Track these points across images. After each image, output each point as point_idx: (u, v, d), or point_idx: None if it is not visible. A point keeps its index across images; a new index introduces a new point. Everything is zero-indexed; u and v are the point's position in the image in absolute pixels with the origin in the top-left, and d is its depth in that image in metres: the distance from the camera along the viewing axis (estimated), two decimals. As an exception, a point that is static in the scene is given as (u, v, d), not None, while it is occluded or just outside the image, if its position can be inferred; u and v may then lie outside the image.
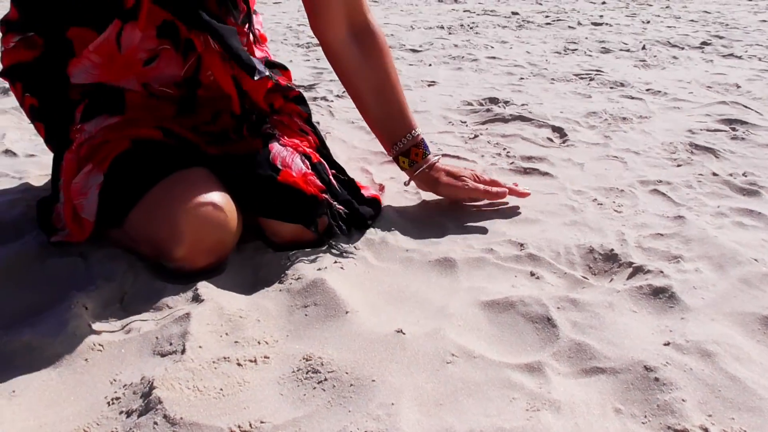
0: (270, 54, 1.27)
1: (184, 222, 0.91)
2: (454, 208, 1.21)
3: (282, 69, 1.25)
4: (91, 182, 0.95)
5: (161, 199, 0.93)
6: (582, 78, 2.39)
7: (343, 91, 2.16)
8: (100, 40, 0.98)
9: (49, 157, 1.49)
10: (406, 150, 1.18)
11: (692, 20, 4.27)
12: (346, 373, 0.74)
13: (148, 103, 1.03)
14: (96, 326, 0.83)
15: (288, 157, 1.02)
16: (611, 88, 2.24)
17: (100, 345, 0.79)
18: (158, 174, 0.93)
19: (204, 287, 0.92)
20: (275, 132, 1.07)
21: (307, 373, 0.75)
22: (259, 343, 0.81)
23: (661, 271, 0.95)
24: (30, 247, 1.02)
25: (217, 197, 0.94)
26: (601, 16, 4.45)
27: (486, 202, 1.22)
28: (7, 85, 2.11)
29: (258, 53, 1.19)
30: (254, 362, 0.77)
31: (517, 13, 4.51)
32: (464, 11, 4.64)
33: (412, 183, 1.23)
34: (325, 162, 1.08)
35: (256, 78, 1.02)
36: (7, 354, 0.78)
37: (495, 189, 1.18)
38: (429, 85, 2.28)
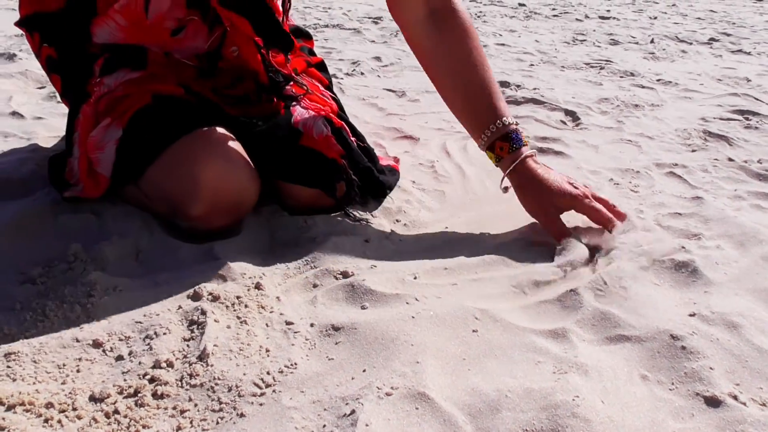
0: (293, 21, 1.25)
1: (202, 180, 0.89)
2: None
3: (306, 38, 1.23)
4: (109, 137, 0.93)
5: (180, 156, 0.91)
6: (592, 67, 2.38)
7: (353, 70, 2.14)
8: (126, 0, 0.96)
9: (56, 120, 1.47)
10: (492, 144, 1.00)
11: (699, 18, 4.26)
12: (368, 331, 0.73)
13: (170, 62, 1.01)
14: (114, 272, 0.82)
15: (310, 120, 1.01)
16: (621, 77, 2.23)
17: (119, 288, 0.78)
18: (178, 131, 0.91)
19: (220, 246, 0.90)
20: (297, 95, 1.05)
21: (328, 330, 0.74)
22: (278, 299, 0.79)
23: (683, 247, 0.95)
24: (41, 203, 1.00)
25: (237, 157, 0.93)
26: (608, 10, 4.43)
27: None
28: (11, 51, 2.08)
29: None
30: (273, 320, 0.76)
31: (523, 5, 4.48)
32: (471, 1, 4.62)
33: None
34: (346, 127, 1.06)
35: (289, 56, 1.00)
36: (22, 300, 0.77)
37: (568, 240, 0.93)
38: (439, 68, 2.27)
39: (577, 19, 3.87)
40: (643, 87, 2.07)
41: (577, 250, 0.92)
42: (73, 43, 1.00)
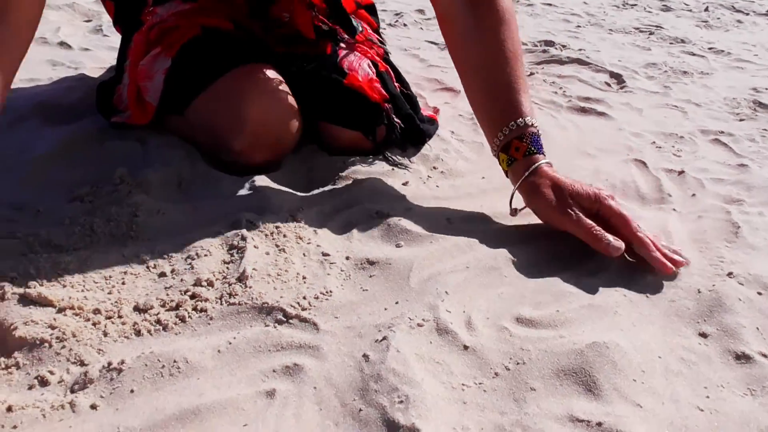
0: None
1: (247, 115, 0.90)
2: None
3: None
4: (158, 66, 0.95)
5: (227, 89, 0.92)
6: (641, 31, 2.31)
7: (396, 21, 2.12)
8: None
9: (102, 51, 1.49)
10: (507, 143, 0.85)
11: (757, -11, 4.07)
12: (402, 267, 0.74)
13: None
14: (158, 197, 0.84)
15: (355, 61, 1.01)
16: (671, 43, 2.16)
17: (162, 212, 0.81)
18: (226, 64, 0.92)
19: (261, 180, 0.92)
20: (344, 36, 1.05)
21: (363, 264, 0.75)
22: (316, 232, 0.81)
23: (724, 209, 0.93)
24: (88, 128, 1.03)
25: (282, 95, 0.93)
26: (662, -23, 4.26)
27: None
28: (59, -15, 2.10)
29: None
30: (310, 250, 0.77)
31: (573, -33, 4.34)
32: (519, -40, 4.48)
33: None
34: (392, 72, 1.06)
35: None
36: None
37: (607, 239, 0.76)
38: (483, 24, 2.23)
39: (628, -16, 3.74)
40: (694, 54, 2.01)
41: None
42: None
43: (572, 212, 0.79)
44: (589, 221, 0.78)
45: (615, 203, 0.80)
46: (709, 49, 2.10)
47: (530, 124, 0.85)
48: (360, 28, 1.04)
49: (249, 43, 0.97)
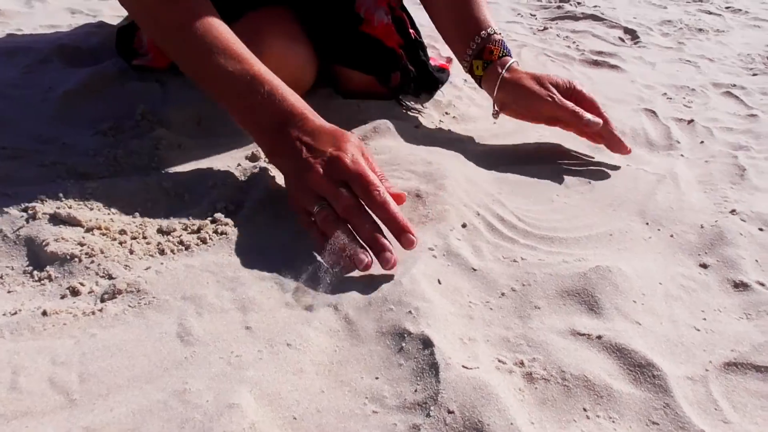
0: None
1: (264, 56, 0.91)
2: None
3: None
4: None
5: (244, 31, 0.93)
6: (658, -10, 2.29)
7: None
8: None
9: None
10: (480, 50, 0.96)
11: (780, -48, 3.99)
12: (417, 196, 0.77)
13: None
14: (178, 132, 0.87)
15: (372, 6, 1.02)
16: (688, 2, 2.14)
17: (182, 146, 0.83)
18: (244, 7, 0.94)
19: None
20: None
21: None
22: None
23: (731, 154, 0.95)
24: (109, 70, 1.05)
25: (298, 38, 0.95)
26: (682, -61, 4.18)
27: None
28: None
29: None
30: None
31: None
32: None
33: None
34: (407, 19, 1.07)
35: None
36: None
37: (587, 117, 0.88)
38: (497, -18, 2.21)
39: (647, -54, 3.67)
40: (710, 13, 1.99)
41: None
42: None
43: (554, 96, 0.90)
44: (569, 102, 0.89)
45: (586, 90, 0.93)
46: (727, 8, 2.08)
47: (497, 32, 0.97)
48: None
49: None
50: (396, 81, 1.03)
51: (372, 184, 0.65)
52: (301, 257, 0.66)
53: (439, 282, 0.63)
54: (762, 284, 0.68)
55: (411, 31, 1.08)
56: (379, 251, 0.62)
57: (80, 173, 0.77)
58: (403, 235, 0.63)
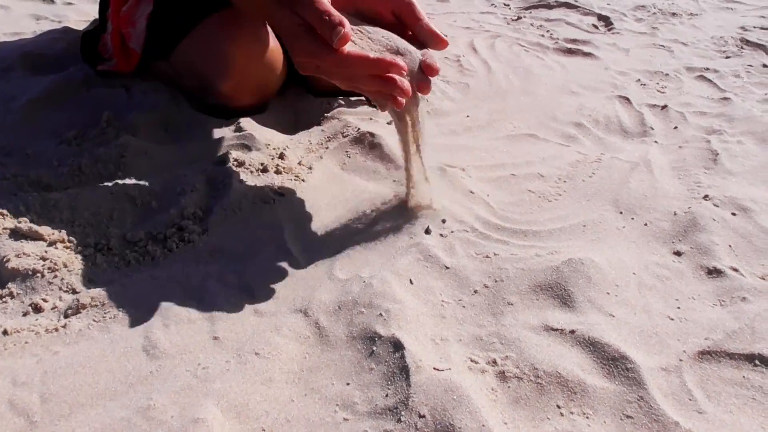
0: None
1: (233, 57, 0.90)
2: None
3: None
4: (141, 11, 0.94)
5: (212, 32, 0.92)
6: (632, -24, 2.28)
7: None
8: None
9: (85, 4, 1.48)
10: None
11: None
12: (394, 196, 0.76)
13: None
14: (144, 138, 0.85)
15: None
16: (662, -13, 2.14)
17: (148, 152, 0.82)
18: (209, 7, 0.92)
19: (247, 122, 0.93)
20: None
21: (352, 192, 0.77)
22: (300, 164, 0.82)
23: (704, 139, 0.95)
24: (74, 77, 1.03)
25: (267, 38, 0.93)
26: None
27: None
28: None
29: None
30: (301, 175, 0.79)
31: None
32: None
33: None
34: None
35: None
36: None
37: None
38: (471, -28, 2.20)
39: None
40: (684, -3, 1.99)
41: None
42: None
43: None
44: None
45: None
46: (700, -9, 2.08)
47: None
48: None
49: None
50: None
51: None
52: (267, 262, 0.64)
53: (411, 282, 0.62)
54: (735, 269, 0.67)
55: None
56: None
57: (44, 185, 0.75)
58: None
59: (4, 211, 0.69)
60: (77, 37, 1.17)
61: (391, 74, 0.64)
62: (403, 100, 0.66)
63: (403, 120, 0.71)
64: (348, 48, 0.63)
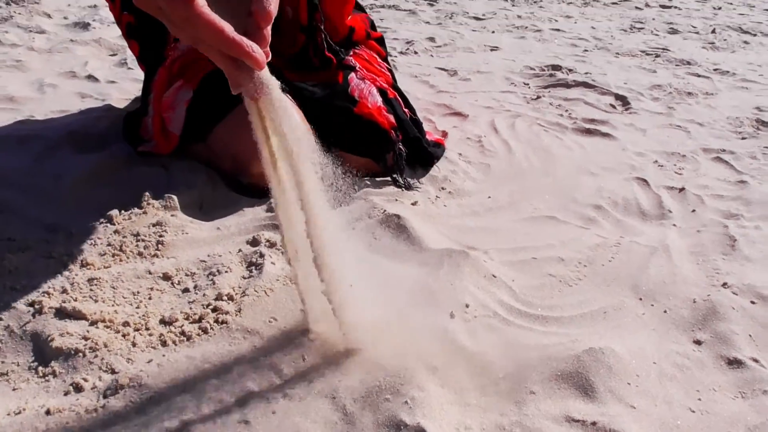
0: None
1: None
2: (516, 154, 1.24)
3: (360, 10, 1.28)
4: (181, 97, 1.01)
5: (245, 117, 0.97)
6: (648, 54, 2.36)
7: (407, 49, 2.19)
8: None
9: (127, 83, 1.57)
10: None
11: (767, 9, 4.11)
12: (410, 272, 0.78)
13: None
14: (181, 217, 0.90)
15: (365, 89, 1.06)
16: (677, 65, 2.21)
17: (186, 231, 0.86)
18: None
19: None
20: (356, 65, 1.11)
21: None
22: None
23: (722, 223, 0.97)
24: (116, 155, 1.09)
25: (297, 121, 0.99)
26: None
27: None
28: (86, 20, 2.20)
29: None
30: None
31: (582, -8, 4.42)
32: (528, -14, 4.57)
33: None
34: (400, 99, 1.12)
35: None
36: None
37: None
38: (492, 50, 2.29)
39: (636, 7, 3.80)
40: (699, 76, 2.04)
41: None
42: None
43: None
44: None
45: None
46: (715, 70, 2.14)
47: None
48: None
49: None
50: (390, 161, 1.07)
51: None
52: (296, 344, 0.67)
53: (436, 368, 0.64)
54: (756, 360, 0.68)
55: (405, 110, 1.12)
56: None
57: (87, 263, 0.80)
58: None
59: (51, 290, 0.73)
60: (119, 116, 1.24)
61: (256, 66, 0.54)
62: (259, 96, 0.57)
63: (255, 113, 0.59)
64: (203, 7, 0.51)
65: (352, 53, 1.14)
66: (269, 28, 0.55)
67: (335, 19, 1.12)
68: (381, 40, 1.22)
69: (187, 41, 0.55)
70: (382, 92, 1.08)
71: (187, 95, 1.01)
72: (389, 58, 2.02)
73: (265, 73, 0.56)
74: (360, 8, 1.27)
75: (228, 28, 0.52)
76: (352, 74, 1.09)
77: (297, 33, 1.14)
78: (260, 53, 0.53)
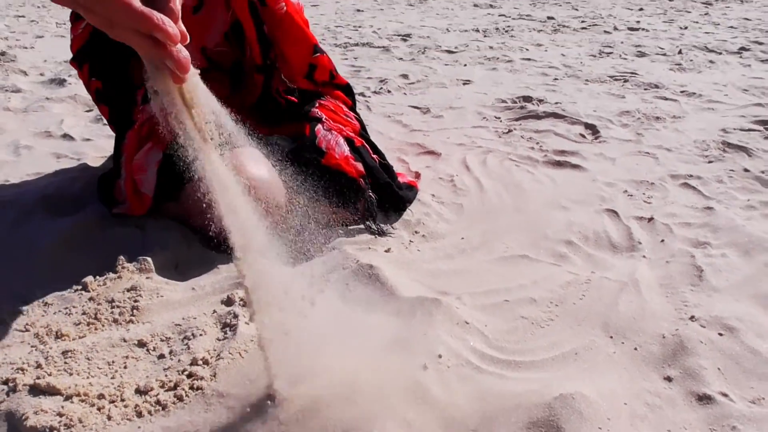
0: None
1: (250, 187, 0.97)
2: (487, 193, 1.26)
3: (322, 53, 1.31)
4: (151, 159, 1.02)
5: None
6: (616, 80, 2.41)
7: (380, 88, 2.22)
8: None
9: (102, 140, 1.58)
10: None
11: (731, 27, 4.22)
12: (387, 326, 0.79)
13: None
14: (156, 279, 0.90)
15: (332, 140, 1.09)
16: (645, 89, 2.26)
17: (160, 294, 0.86)
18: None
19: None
20: (322, 116, 1.13)
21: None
22: (303, 298, 0.87)
23: (689, 253, 0.99)
24: (91, 217, 1.10)
25: (267, 175, 1.01)
26: (638, 21, 4.43)
27: None
28: (61, 76, 2.23)
29: None
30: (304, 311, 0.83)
31: (552, 18, 4.52)
32: (499, 15, 4.67)
33: None
34: (368, 146, 1.14)
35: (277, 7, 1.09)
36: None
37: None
38: (464, 84, 2.33)
39: (605, 32, 3.89)
40: (666, 99, 2.09)
41: None
42: (117, 76, 1.10)
43: None
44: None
45: None
46: (682, 92, 2.19)
47: None
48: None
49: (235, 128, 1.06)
50: (362, 209, 1.08)
51: None
52: (277, 406, 0.67)
53: (408, 422, 0.65)
54: (725, 395, 0.70)
55: (374, 156, 1.15)
56: None
57: (62, 334, 0.80)
58: None
59: (25, 366, 0.73)
60: (94, 175, 1.25)
61: (169, 40, 0.53)
62: (184, 76, 0.55)
63: (178, 99, 0.58)
64: None
65: (317, 105, 1.16)
66: (178, 2, 0.55)
67: (292, 58, 1.15)
68: (347, 88, 1.25)
69: (101, 26, 0.53)
70: (350, 141, 1.11)
71: (157, 156, 1.02)
72: (364, 98, 2.06)
73: (184, 52, 0.54)
74: (322, 51, 1.30)
75: (136, 2, 0.51)
76: (319, 126, 1.11)
77: (254, 74, 1.17)
78: (172, 26, 0.52)
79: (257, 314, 0.65)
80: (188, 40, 0.56)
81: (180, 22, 0.55)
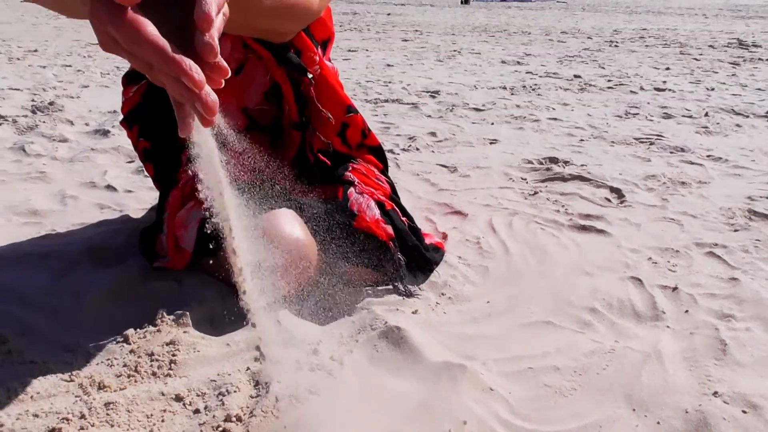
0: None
1: (282, 246, 1.02)
2: (513, 253, 1.29)
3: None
4: (193, 217, 1.08)
5: (263, 226, 1.05)
6: (642, 142, 2.45)
7: (409, 145, 2.29)
8: None
9: (143, 192, 1.66)
10: None
11: (759, 89, 4.25)
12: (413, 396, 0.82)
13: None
14: (193, 334, 0.94)
15: (364, 203, 1.14)
16: (671, 152, 2.29)
17: (197, 349, 0.90)
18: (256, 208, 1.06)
19: (284, 314, 1.02)
20: (354, 179, 1.18)
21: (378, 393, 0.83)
22: (332, 358, 0.90)
23: (714, 326, 1.00)
24: (133, 270, 1.16)
25: (301, 235, 1.06)
26: (665, 81, 4.49)
27: None
28: (105, 127, 2.34)
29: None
30: (333, 371, 0.86)
31: (579, 77, 4.60)
32: (526, 72, 4.77)
33: None
34: (398, 209, 1.18)
35: (309, 76, 1.16)
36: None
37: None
38: (491, 143, 2.39)
39: (631, 91, 3.95)
40: (692, 163, 2.12)
41: None
42: (164, 137, 1.17)
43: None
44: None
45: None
46: (708, 156, 2.22)
47: None
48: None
49: (272, 190, 1.12)
50: (391, 270, 1.12)
51: None
52: (305, 469, 0.70)
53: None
54: (748, 474, 0.70)
55: (403, 219, 1.19)
56: None
57: (104, 385, 0.84)
58: None
59: (69, 416, 0.77)
60: (135, 228, 1.32)
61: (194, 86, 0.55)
62: (211, 119, 0.59)
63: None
64: (148, 26, 0.54)
65: (351, 168, 1.22)
66: (216, 36, 0.56)
67: (327, 113, 1.22)
68: (379, 151, 1.30)
69: (142, 69, 0.57)
70: (380, 205, 1.15)
71: (199, 215, 1.08)
72: (393, 155, 2.12)
73: (212, 96, 0.57)
74: (356, 111, 1.37)
75: (169, 47, 0.54)
76: (351, 189, 1.17)
77: (292, 130, 1.23)
78: (198, 72, 0.54)
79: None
80: (229, 74, 0.59)
81: (219, 58, 0.56)
